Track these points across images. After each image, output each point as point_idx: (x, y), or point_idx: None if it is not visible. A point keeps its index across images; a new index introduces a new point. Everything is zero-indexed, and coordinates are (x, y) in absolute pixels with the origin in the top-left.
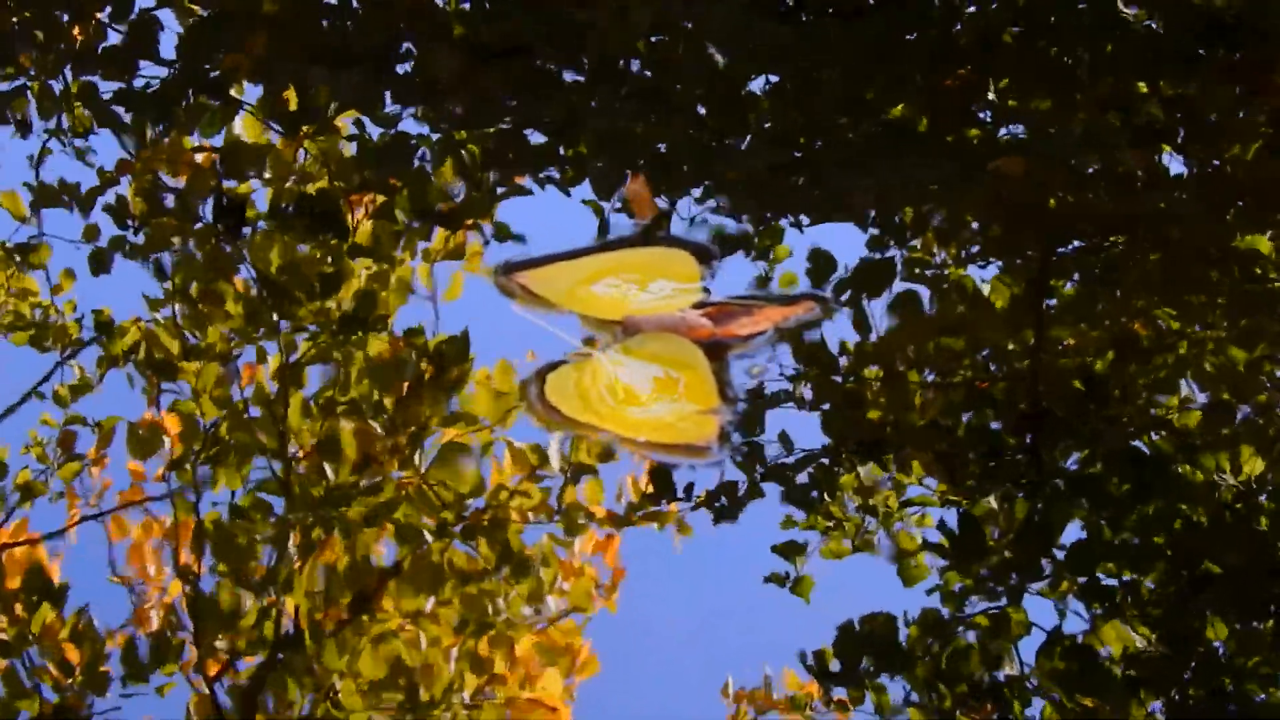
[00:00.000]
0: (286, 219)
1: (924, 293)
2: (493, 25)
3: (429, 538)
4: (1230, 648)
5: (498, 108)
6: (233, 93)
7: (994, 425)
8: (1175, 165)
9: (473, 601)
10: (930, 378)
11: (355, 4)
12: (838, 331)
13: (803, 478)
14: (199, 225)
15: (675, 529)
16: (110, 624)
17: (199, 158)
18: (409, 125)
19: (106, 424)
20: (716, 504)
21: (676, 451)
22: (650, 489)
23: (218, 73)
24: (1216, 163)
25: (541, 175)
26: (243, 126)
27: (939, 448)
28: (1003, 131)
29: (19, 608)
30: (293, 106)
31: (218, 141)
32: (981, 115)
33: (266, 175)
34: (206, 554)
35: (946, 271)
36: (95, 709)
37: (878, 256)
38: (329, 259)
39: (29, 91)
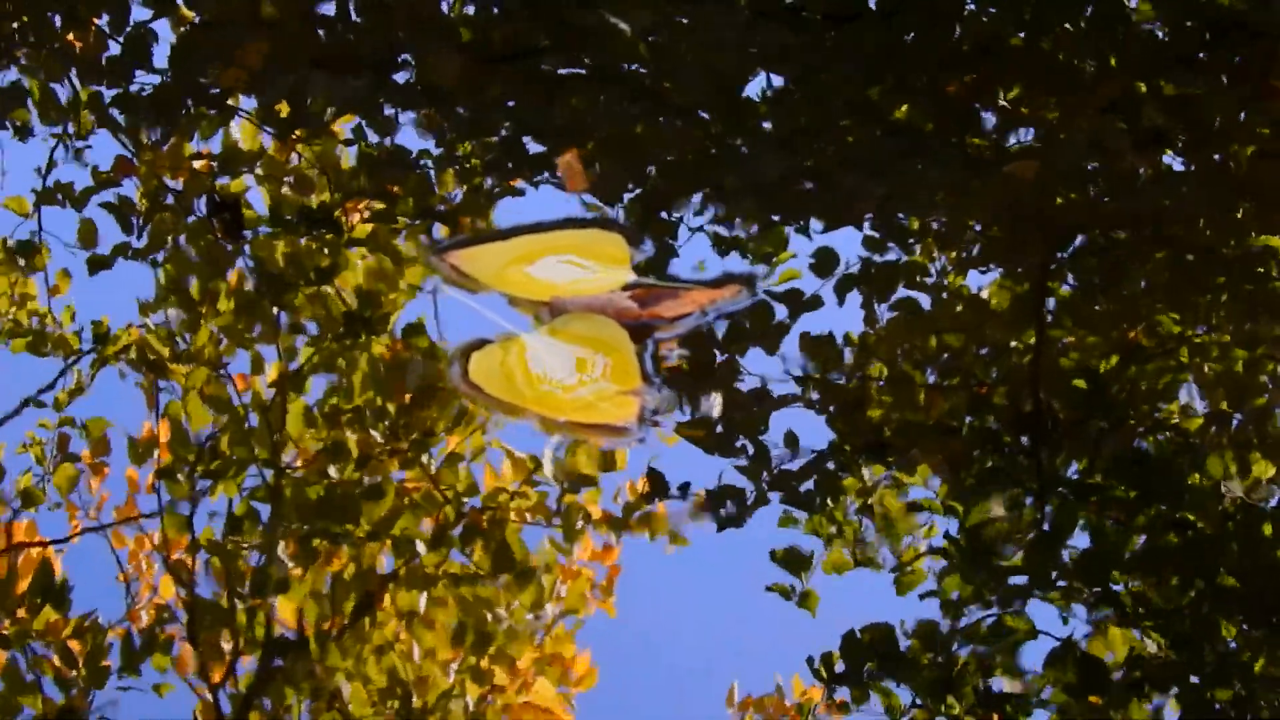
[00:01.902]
0: (286, 225)
1: (924, 301)
2: (498, 28)
3: (422, 548)
4: (1240, 643)
5: (500, 113)
6: (229, 102)
7: (994, 426)
8: (1178, 165)
9: (469, 607)
10: (932, 379)
11: (353, 13)
12: (842, 326)
13: (808, 484)
14: (193, 220)
15: (668, 540)
16: (109, 620)
17: (197, 164)
18: (407, 134)
19: (95, 428)
20: (720, 510)
21: (597, 432)
22: (646, 489)
23: (216, 88)
24: (1218, 158)
25: (537, 179)
26: (239, 131)
27: (948, 449)
28: (1010, 137)
29: (23, 611)
30: (284, 113)
31: (215, 144)
32: (987, 117)
33: (259, 172)
34: (201, 559)
35: (946, 281)
36: (95, 704)
37: (877, 259)
38: (325, 251)
39: (29, 98)
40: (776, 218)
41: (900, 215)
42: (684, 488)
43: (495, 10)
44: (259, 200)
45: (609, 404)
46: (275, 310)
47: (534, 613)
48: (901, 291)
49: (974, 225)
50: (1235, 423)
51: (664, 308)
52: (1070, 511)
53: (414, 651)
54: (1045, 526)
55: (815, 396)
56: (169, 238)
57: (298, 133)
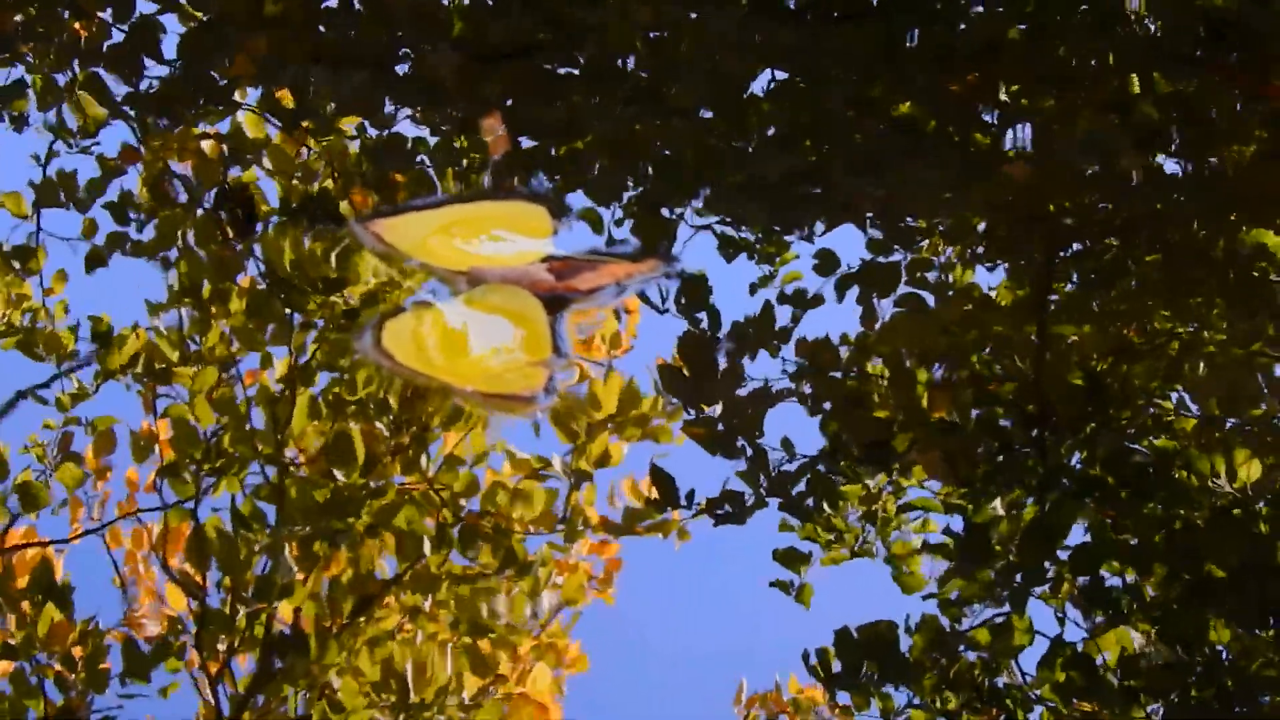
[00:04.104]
0: (294, 216)
1: (928, 298)
2: (495, 25)
3: (428, 547)
4: (1234, 650)
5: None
6: (235, 97)
7: (1003, 423)
8: (1173, 168)
9: (464, 603)
10: (939, 373)
11: (356, 4)
12: (841, 327)
13: (801, 487)
14: (202, 212)
15: (676, 535)
16: (109, 620)
17: (205, 145)
18: (406, 127)
19: (101, 424)
20: (720, 512)
21: (504, 403)
22: (654, 496)
23: (224, 81)
24: (1214, 162)
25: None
26: (245, 120)
27: (948, 447)
28: (1009, 134)
29: (26, 605)
30: (287, 104)
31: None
32: (987, 117)
33: (268, 165)
34: (206, 562)
35: (950, 277)
36: (95, 707)
37: (881, 260)
38: (334, 253)
39: (30, 88)
40: (777, 227)
41: (909, 218)
42: (690, 496)
43: (491, 3)
44: (272, 195)
45: (515, 375)
46: (288, 311)
47: (531, 600)
48: (904, 288)
49: (977, 224)
50: (1229, 425)
51: (581, 280)
52: (1070, 509)
53: (416, 637)
54: (1043, 520)
55: (808, 390)
56: (178, 232)
57: (305, 124)
